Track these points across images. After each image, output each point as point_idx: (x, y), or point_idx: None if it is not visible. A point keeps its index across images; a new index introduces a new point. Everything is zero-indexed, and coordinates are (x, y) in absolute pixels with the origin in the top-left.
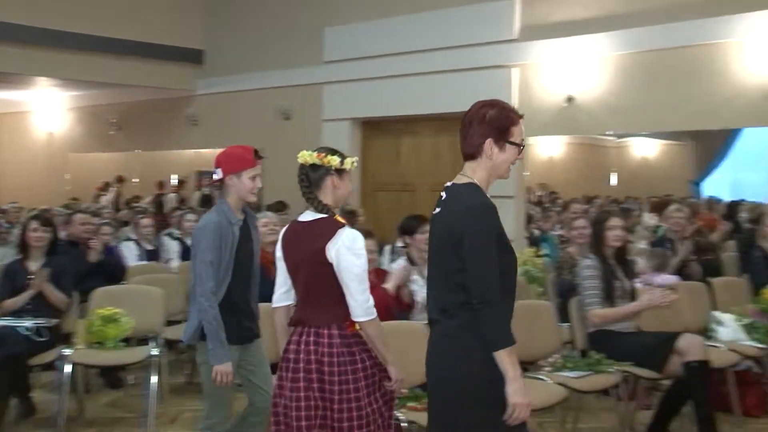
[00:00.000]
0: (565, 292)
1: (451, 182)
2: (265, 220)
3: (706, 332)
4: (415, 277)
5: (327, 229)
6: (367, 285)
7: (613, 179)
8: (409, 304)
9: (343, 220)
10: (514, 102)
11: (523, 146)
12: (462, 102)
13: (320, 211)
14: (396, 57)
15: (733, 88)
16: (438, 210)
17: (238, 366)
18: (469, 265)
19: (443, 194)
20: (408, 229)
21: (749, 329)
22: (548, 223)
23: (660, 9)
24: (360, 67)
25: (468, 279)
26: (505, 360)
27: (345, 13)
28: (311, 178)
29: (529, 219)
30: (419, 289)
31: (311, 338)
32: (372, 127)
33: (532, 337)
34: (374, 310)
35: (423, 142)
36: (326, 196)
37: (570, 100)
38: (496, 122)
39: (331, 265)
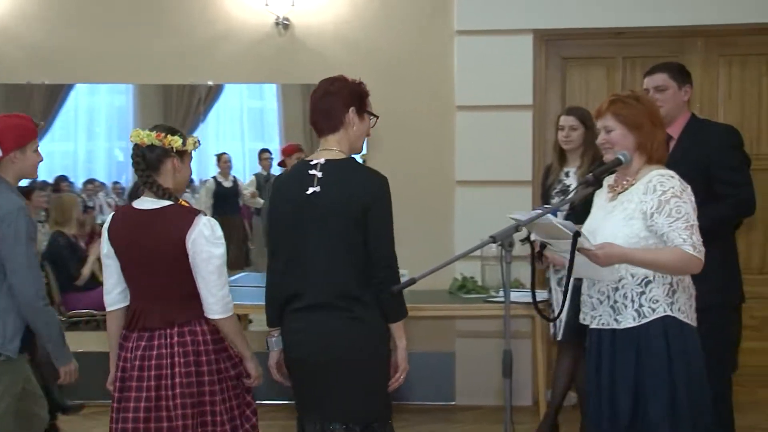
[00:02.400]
0: None
1: (322, 159)
2: None
3: None
4: None
5: (182, 218)
6: (226, 278)
7: None
8: None
9: (194, 206)
10: None
11: (377, 118)
12: None
13: (162, 197)
14: None
15: None
16: (317, 189)
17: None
18: (378, 236)
19: (314, 172)
20: None
21: None
22: None
23: None
24: None
25: (376, 249)
26: (401, 329)
27: None
28: (148, 159)
29: None
30: None
31: (187, 338)
32: None
33: None
34: (232, 305)
35: None
36: (166, 179)
37: None
38: (356, 92)
39: (188, 257)
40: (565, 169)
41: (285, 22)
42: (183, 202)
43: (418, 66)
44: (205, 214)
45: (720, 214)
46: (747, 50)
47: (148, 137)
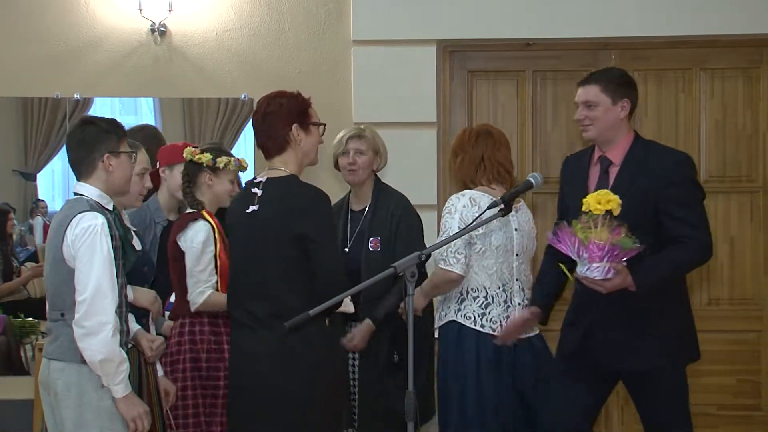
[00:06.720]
0: None
1: (264, 177)
2: None
3: None
4: None
5: (181, 222)
6: (197, 279)
7: None
8: None
9: (207, 215)
10: None
11: (324, 125)
12: None
13: (192, 207)
14: None
15: None
16: (255, 207)
17: None
18: (316, 254)
19: (256, 190)
20: None
21: None
22: None
23: None
24: None
25: (320, 273)
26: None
27: None
28: (189, 174)
29: None
30: None
31: (206, 327)
32: None
33: None
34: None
35: None
36: (203, 193)
37: None
38: (294, 108)
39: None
40: None
41: (161, 29)
42: (204, 212)
43: (310, 79)
44: (206, 219)
45: (688, 259)
46: (662, 65)
47: (189, 154)
